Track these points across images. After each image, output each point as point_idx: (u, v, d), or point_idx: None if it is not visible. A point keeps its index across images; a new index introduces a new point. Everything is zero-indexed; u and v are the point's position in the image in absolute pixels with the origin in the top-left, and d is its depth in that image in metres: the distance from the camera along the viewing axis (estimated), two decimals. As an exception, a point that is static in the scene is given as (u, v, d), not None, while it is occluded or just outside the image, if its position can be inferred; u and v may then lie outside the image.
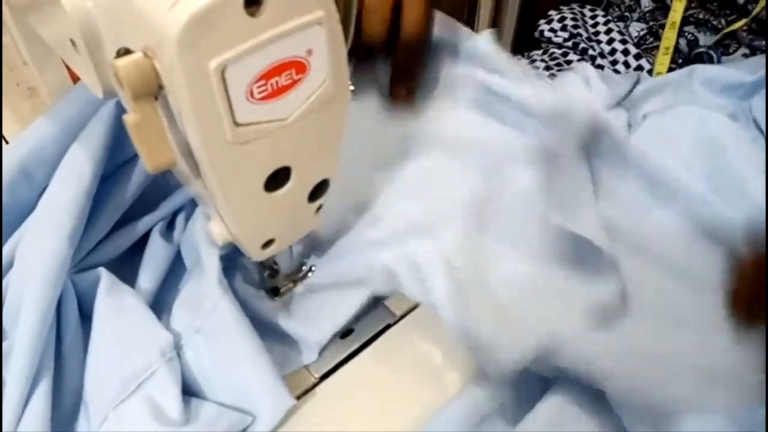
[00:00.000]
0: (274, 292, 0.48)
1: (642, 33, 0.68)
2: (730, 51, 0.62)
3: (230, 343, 0.42)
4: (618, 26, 0.70)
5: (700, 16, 0.61)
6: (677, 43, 0.63)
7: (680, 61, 0.65)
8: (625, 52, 0.68)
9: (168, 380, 0.41)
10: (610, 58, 0.69)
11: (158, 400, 0.40)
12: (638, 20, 0.69)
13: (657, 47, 0.66)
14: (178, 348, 0.44)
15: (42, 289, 0.41)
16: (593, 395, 0.39)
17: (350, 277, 0.48)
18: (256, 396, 0.42)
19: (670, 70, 0.65)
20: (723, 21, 0.60)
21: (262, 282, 0.48)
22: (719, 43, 0.62)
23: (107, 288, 0.45)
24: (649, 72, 0.66)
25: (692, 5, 0.62)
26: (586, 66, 0.59)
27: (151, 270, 0.48)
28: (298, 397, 0.43)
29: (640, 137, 0.53)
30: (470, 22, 0.92)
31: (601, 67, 0.69)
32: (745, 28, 0.60)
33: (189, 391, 0.43)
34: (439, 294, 0.42)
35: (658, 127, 0.53)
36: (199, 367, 0.43)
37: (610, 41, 0.69)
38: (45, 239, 0.43)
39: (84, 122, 0.46)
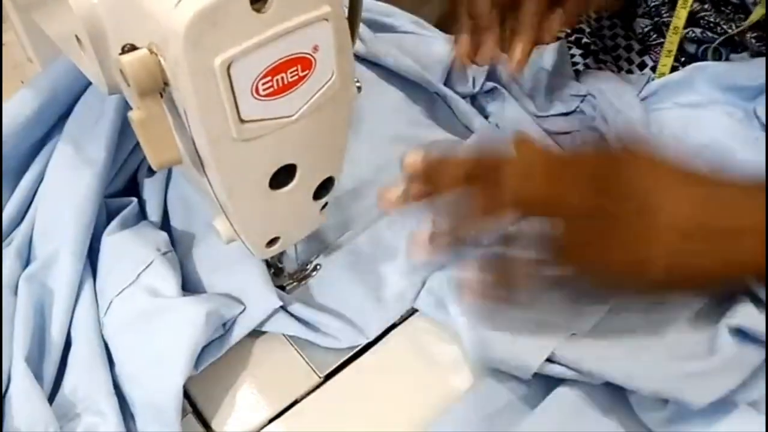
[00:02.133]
0: (279, 290, 0.48)
1: (646, 30, 0.67)
2: (738, 51, 0.61)
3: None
4: (621, 22, 0.70)
5: (711, 19, 0.61)
6: (683, 43, 0.63)
7: (683, 60, 0.64)
8: (628, 49, 0.68)
9: (165, 269, 0.44)
10: (613, 54, 0.68)
11: (156, 285, 0.44)
12: (642, 16, 0.68)
13: (661, 44, 0.65)
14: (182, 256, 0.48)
15: (79, 210, 0.45)
16: (605, 390, 0.39)
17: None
18: (248, 294, 0.45)
19: (673, 70, 0.64)
20: (734, 26, 0.60)
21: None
22: (726, 44, 0.61)
23: (124, 217, 0.48)
24: (653, 69, 0.66)
25: (705, 7, 0.61)
26: None
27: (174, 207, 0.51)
28: (303, 397, 0.43)
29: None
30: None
31: (603, 62, 0.68)
32: (754, 34, 0.59)
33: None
34: (456, 316, 0.44)
35: (661, 124, 0.53)
36: (201, 269, 0.47)
37: (614, 37, 0.69)
38: (78, 173, 0.47)
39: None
